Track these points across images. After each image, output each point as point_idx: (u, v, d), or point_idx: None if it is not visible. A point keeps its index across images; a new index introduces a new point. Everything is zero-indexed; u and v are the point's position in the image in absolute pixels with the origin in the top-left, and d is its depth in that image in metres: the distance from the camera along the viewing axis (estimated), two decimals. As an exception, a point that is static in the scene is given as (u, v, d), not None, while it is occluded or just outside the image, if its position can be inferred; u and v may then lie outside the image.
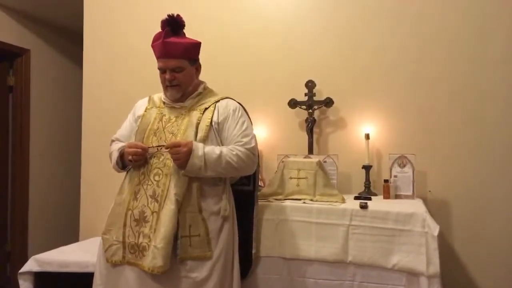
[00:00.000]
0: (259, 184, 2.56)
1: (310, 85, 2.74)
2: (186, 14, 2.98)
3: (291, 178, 2.35)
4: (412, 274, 2.00)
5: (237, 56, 2.96)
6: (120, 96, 3.11)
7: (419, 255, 1.97)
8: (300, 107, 2.76)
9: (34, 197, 4.07)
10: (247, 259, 2.11)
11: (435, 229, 1.97)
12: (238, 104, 2.04)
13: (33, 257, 2.39)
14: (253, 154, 1.95)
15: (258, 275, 2.19)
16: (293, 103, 2.77)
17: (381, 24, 2.74)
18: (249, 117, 2.07)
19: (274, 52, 2.90)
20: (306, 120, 2.73)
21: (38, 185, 4.11)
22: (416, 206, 2.17)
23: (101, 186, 3.10)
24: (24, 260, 2.64)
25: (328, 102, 2.71)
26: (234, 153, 1.88)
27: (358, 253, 2.07)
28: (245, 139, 1.93)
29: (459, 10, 2.63)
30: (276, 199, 2.31)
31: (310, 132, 2.72)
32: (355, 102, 2.76)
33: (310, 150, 2.70)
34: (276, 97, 2.85)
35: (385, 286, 2.05)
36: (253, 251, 2.14)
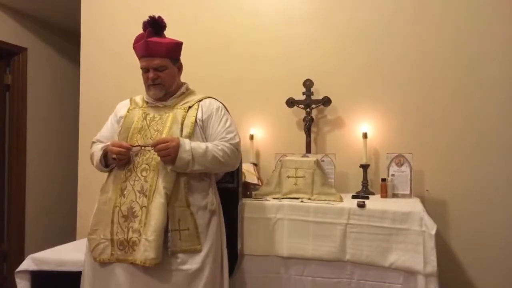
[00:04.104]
0: (257, 183, 2.57)
1: (308, 84, 2.74)
2: (184, 11, 2.99)
3: (288, 177, 2.35)
4: (409, 273, 2.00)
5: (235, 54, 2.96)
6: (118, 95, 3.06)
7: (417, 254, 1.98)
8: (298, 106, 2.76)
9: (30, 196, 4.05)
10: (233, 256, 2.12)
11: (432, 228, 1.97)
12: (220, 103, 2.08)
13: (30, 256, 2.38)
14: (237, 150, 2.00)
15: (256, 273, 2.19)
16: (290, 102, 2.77)
17: (380, 24, 2.74)
18: (230, 116, 2.09)
19: (272, 50, 2.90)
20: (304, 119, 2.73)
21: (35, 184, 4.10)
22: (414, 205, 2.17)
23: (98, 185, 3.01)
24: (21, 259, 2.63)
25: (326, 101, 2.71)
26: (219, 147, 1.92)
27: (355, 252, 2.07)
28: (229, 135, 1.98)
29: (459, 10, 2.63)
30: (274, 198, 2.31)
31: (307, 131, 2.72)
32: (353, 101, 2.76)
33: (308, 149, 2.70)
34: (273, 96, 2.84)
35: (382, 284, 2.06)
36: (239, 247, 2.16)
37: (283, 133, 2.86)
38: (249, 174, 2.56)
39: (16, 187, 3.96)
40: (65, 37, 4.43)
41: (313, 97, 2.73)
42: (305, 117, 2.73)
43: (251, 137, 2.83)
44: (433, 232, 1.96)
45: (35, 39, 4.13)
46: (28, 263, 2.34)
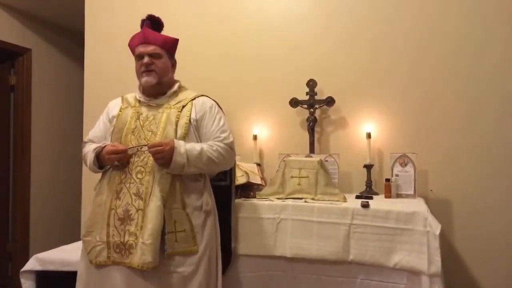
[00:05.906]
0: (261, 183, 2.57)
1: (311, 84, 2.74)
2: (188, 11, 2.99)
3: (292, 177, 2.35)
4: (413, 273, 2.00)
5: (238, 54, 2.96)
6: (122, 95, 3.10)
7: (421, 254, 1.97)
8: (302, 106, 2.76)
9: (35, 196, 4.07)
10: (226, 254, 2.11)
11: (436, 228, 1.96)
12: (213, 102, 2.06)
13: (34, 256, 2.39)
14: (232, 149, 1.99)
15: (261, 272, 2.20)
16: (294, 102, 2.77)
17: (383, 23, 2.74)
18: (224, 114, 2.08)
19: (275, 51, 2.90)
20: (307, 119, 2.73)
21: (40, 184, 4.12)
22: (418, 205, 2.17)
23: (103, 185, 3.09)
24: (26, 259, 2.64)
25: (330, 101, 2.71)
26: (214, 148, 1.91)
27: (359, 252, 2.07)
28: (223, 135, 1.97)
29: (461, 10, 2.63)
30: (277, 198, 2.31)
31: (311, 131, 2.71)
32: (357, 101, 2.76)
33: (312, 149, 2.70)
34: (277, 96, 2.85)
35: (386, 284, 2.05)
36: (233, 245, 2.16)
37: (287, 133, 2.86)
38: (253, 174, 2.55)
39: (20, 187, 3.98)
40: (69, 37, 4.45)
41: (316, 97, 2.73)
42: (308, 117, 2.73)
43: (255, 137, 2.82)
44: (438, 232, 1.95)
45: (39, 40, 4.16)
46: (32, 263, 2.35)
